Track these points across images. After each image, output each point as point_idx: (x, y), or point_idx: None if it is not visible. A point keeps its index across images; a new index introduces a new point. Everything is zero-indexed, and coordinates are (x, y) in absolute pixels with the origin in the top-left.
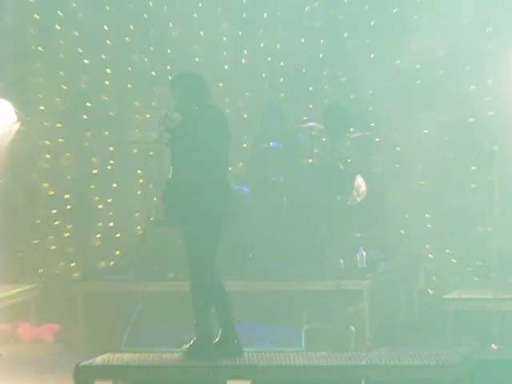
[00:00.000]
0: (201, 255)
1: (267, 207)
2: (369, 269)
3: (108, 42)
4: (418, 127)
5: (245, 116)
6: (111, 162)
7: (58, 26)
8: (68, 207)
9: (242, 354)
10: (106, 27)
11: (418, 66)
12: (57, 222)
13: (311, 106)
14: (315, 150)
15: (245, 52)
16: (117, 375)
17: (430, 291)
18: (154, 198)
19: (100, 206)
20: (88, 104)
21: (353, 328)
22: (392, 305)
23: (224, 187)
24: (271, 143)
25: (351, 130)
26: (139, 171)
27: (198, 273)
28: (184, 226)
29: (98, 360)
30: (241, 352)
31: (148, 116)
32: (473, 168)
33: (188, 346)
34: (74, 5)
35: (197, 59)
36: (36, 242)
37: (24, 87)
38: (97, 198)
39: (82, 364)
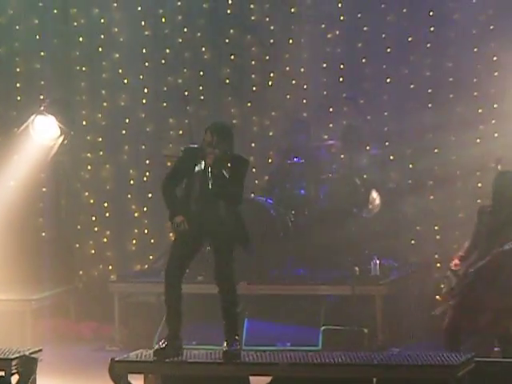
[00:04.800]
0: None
1: (288, 218)
2: (382, 276)
3: (146, 63)
4: (429, 146)
5: (270, 134)
6: (147, 173)
7: (100, 49)
8: (107, 215)
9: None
10: (144, 50)
11: (430, 91)
12: (96, 228)
13: (331, 125)
14: (334, 166)
15: (271, 75)
16: (148, 370)
17: (438, 297)
18: None
19: (136, 214)
20: (126, 120)
21: (366, 330)
22: (402, 309)
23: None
24: (294, 159)
25: (367, 148)
26: None
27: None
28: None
29: (132, 356)
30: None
31: (181, 132)
32: (479, 185)
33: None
34: (116, 29)
35: (227, 81)
36: (77, 246)
37: (68, 104)
38: (133, 207)
39: (117, 359)
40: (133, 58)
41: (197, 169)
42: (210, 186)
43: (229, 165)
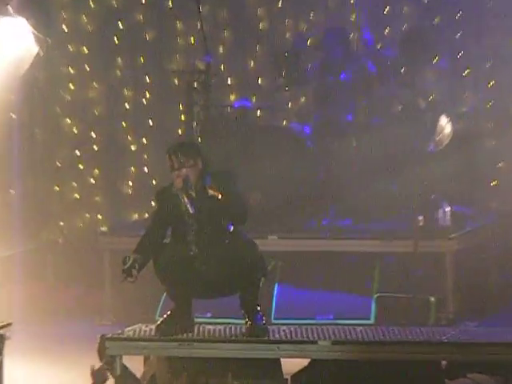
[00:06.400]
0: None
1: (332, 152)
2: (453, 228)
3: None
4: None
5: (308, 43)
6: (147, 94)
7: None
8: (95, 148)
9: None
10: None
11: None
12: (81, 166)
13: (387, 30)
14: (391, 83)
15: None
16: (149, 350)
17: None
18: (199, 139)
19: (133, 148)
20: (120, 25)
21: (432, 298)
22: (480, 271)
23: None
24: (339, 75)
25: (434, 59)
26: (180, 107)
27: None
28: None
29: (127, 332)
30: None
31: (192, 40)
32: None
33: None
34: None
35: None
36: (57, 189)
37: (44, 3)
38: (129, 138)
39: (109, 336)
40: None
41: (180, 209)
42: (193, 211)
43: (210, 184)
